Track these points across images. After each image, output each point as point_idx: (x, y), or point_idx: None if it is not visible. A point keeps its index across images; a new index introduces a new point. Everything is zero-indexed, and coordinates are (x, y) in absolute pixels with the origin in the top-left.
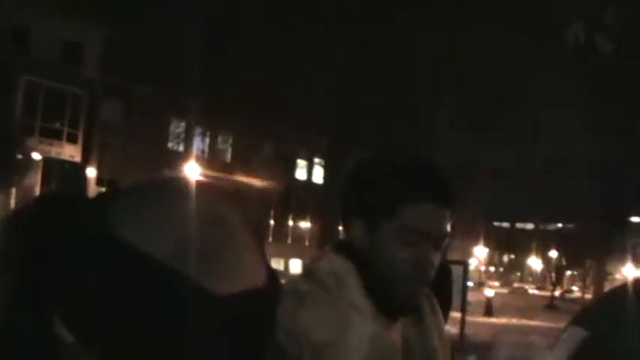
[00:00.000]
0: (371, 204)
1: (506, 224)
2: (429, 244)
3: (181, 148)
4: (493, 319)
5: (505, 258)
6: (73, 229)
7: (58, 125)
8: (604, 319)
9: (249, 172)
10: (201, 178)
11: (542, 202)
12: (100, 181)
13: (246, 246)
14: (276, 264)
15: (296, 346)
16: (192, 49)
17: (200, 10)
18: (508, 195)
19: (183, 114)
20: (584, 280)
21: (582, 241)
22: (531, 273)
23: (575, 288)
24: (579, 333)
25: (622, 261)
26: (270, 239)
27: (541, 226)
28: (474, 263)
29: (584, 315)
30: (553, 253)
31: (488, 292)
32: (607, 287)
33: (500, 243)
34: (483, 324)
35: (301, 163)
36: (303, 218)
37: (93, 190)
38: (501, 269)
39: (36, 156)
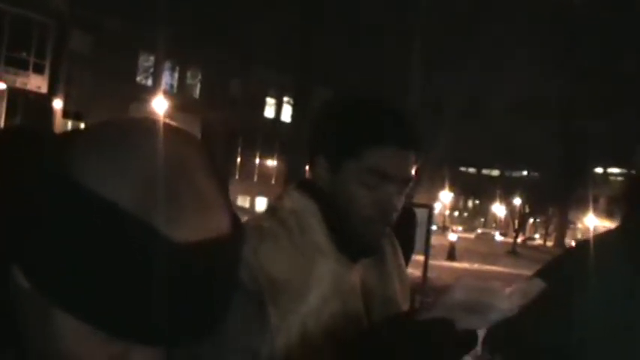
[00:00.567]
0: (335, 145)
1: (472, 170)
2: (392, 186)
3: (150, 82)
4: (455, 264)
5: (470, 203)
6: (35, 172)
7: (24, 55)
8: (565, 274)
9: (217, 109)
10: (163, 120)
11: (507, 149)
12: (66, 113)
13: (209, 192)
14: (243, 202)
15: (256, 283)
16: None
17: None
18: (474, 141)
19: (153, 48)
20: (546, 228)
21: (546, 190)
22: (495, 219)
23: (537, 235)
24: (538, 285)
25: (584, 211)
26: (237, 177)
27: (506, 173)
28: (438, 207)
29: (546, 269)
30: (517, 201)
31: (452, 237)
32: (568, 236)
33: (465, 188)
34: (446, 268)
35: (270, 102)
36: (271, 156)
37: (59, 122)
38: (466, 214)
39: (1, 85)
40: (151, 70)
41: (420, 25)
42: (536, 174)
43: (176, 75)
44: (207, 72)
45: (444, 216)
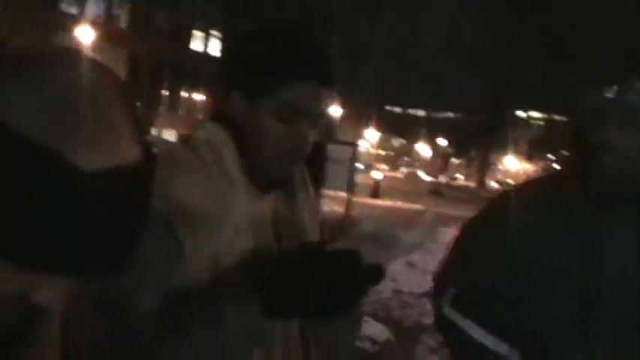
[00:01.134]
0: (250, 78)
1: (398, 109)
2: (305, 121)
3: (75, 10)
4: (379, 201)
5: (395, 143)
6: None
7: None
8: (501, 222)
9: (144, 41)
10: (79, 51)
11: (433, 90)
12: None
13: (121, 122)
14: (168, 135)
15: (170, 212)
16: None
17: None
18: (401, 80)
19: None
20: (469, 169)
21: (469, 131)
22: (419, 159)
23: (460, 176)
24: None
25: (504, 153)
26: (163, 110)
27: (432, 114)
28: (365, 146)
29: (482, 218)
30: (442, 141)
31: (377, 175)
32: (489, 177)
33: (391, 127)
34: (369, 205)
35: (197, 35)
36: (197, 90)
37: None
38: (392, 153)
39: None
40: None
41: None
42: (459, 115)
43: (103, 4)
44: (134, 1)
45: (369, 154)
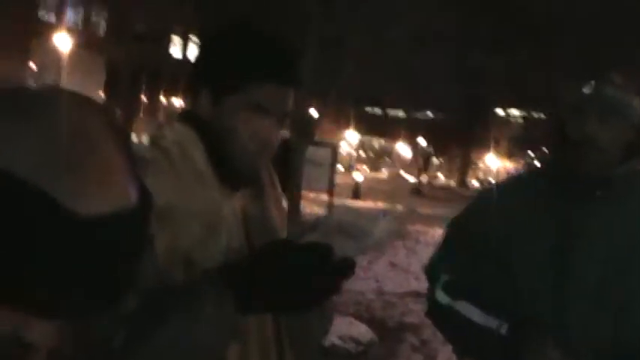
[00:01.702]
0: (217, 77)
1: (378, 110)
2: (271, 120)
3: (52, 18)
4: (360, 202)
5: (375, 144)
6: None
7: None
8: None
9: (121, 47)
10: (69, 90)
11: (412, 90)
12: None
13: (114, 163)
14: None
15: None
16: None
17: None
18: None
19: None
20: (449, 168)
21: (449, 131)
22: (400, 159)
23: (441, 175)
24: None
25: (485, 151)
26: (142, 116)
27: (411, 114)
28: (345, 147)
29: (472, 210)
30: (422, 141)
31: (357, 176)
32: (470, 175)
33: (371, 129)
34: (350, 206)
35: (175, 40)
36: (176, 95)
37: None
38: (372, 154)
39: None
40: (54, 5)
41: None
42: (440, 115)
43: (81, 11)
44: (112, 9)
45: (350, 156)
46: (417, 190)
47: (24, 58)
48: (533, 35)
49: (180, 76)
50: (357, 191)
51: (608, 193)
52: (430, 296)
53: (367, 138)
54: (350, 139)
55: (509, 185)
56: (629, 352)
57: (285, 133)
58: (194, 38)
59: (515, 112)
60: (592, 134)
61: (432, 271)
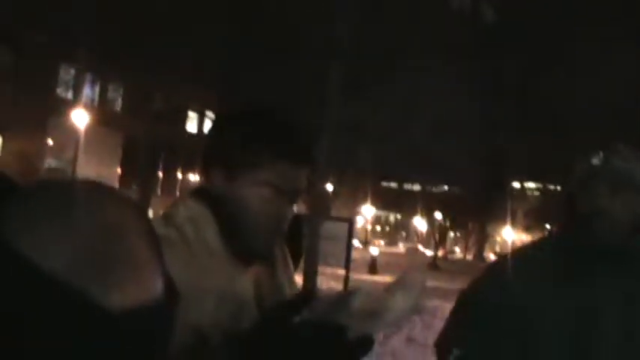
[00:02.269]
0: (231, 156)
1: (394, 184)
2: (284, 198)
3: (70, 95)
4: (377, 277)
5: (392, 218)
6: None
7: None
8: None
9: (138, 123)
10: (101, 183)
11: (428, 164)
12: None
13: (144, 257)
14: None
15: None
16: None
17: None
18: (396, 156)
19: (74, 60)
20: (466, 242)
21: (465, 204)
22: (417, 233)
23: (457, 249)
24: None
25: (502, 224)
26: (159, 192)
27: (427, 188)
28: (361, 222)
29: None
30: (438, 215)
31: (373, 250)
32: (487, 249)
33: (387, 203)
34: (367, 281)
35: (192, 116)
36: (193, 171)
37: None
38: (388, 229)
39: None
40: (72, 82)
41: (337, 51)
42: (455, 188)
43: (97, 88)
44: (129, 85)
45: (366, 230)
46: (433, 264)
47: (42, 135)
48: (554, 121)
49: (196, 151)
50: (373, 266)
51: (622, 265)
52: None
53: (383, 212)
54: (366, 214)
55: (522, 259)
56: None
57: (300, 208)
58: (210, 114)
59: (531, 184)
60: (602, 206)
61: (443, 343)
